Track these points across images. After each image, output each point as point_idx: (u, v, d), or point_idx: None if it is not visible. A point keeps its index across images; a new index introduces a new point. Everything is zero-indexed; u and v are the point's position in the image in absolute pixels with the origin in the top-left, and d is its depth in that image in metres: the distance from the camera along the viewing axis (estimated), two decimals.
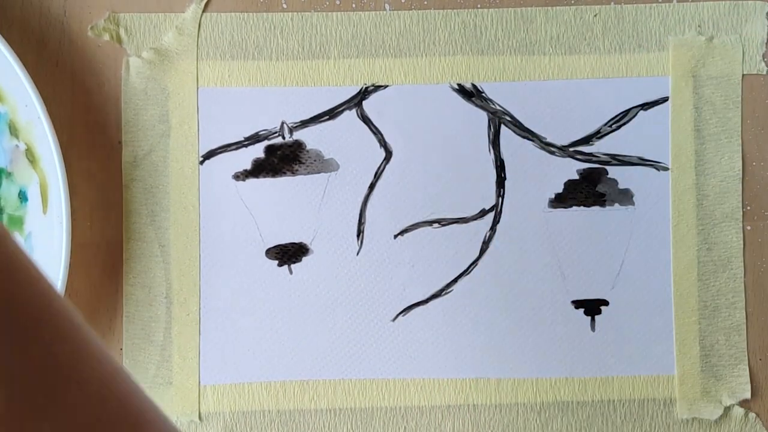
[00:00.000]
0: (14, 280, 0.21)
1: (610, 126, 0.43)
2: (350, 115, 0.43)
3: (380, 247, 0.43)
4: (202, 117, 0.42)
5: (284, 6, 0.43)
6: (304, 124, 0.42)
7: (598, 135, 0.43)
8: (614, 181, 0.43)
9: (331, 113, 0.43)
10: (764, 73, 0.43)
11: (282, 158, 0.42)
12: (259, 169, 0.42)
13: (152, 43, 0.42)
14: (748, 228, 0.43)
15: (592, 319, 0.43)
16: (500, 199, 0.43)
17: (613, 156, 0.43)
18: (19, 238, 0.41)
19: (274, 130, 0.42)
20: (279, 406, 0.42)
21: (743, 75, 0.43)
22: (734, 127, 0.43)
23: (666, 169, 0.43)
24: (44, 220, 0.40)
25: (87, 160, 0.42)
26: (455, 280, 0.43)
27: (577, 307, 0.43)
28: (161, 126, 0.42)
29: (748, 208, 0.43)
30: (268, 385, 0.42)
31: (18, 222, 0.41)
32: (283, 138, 0.42)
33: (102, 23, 0.42)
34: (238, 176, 0.42)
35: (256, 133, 0.42)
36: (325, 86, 0.42)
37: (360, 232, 0.43)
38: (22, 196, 0.41)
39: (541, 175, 0.43)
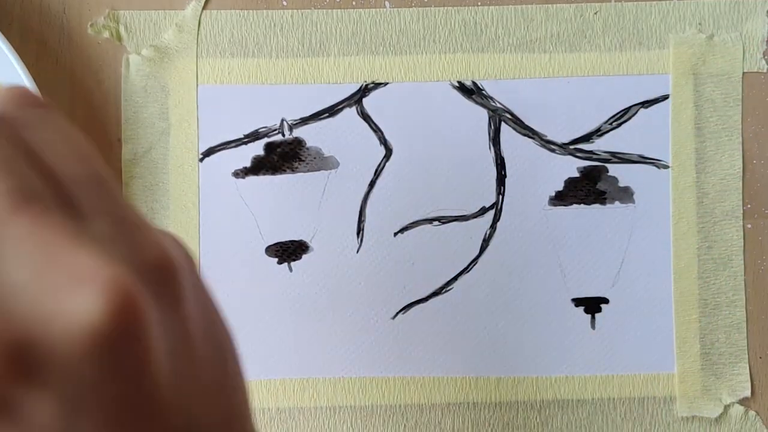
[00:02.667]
0: None
1: (611, 124, 0.43)
2: (350, 113, 0.43)
3: (380, 245, 0.43)
4: (202, 114, 0.42)
5: (284, 3, 0.43)
6: (304, 121, 0.42)
7: (598, 133, 0.43)
8: (614, 179, 0.43)
9: (331, 111, 0.43)
10: (765, 70, 0.43)
11: (282, 156, 0.42)
12: (258, 167, 0.42)
13: (152, 40, 0.42)
14: (749, 226, 0.43)
15: (592, 318, 0.43)
16: (500, 196, 0.43)
17: (613, 154, 0.43)
18: None
19: (273, 128, 0.42)
20: (278, 404, 0.42)
21: (744, 73, 0.43)
22: (735, 125, 0.43)
23: (666, 167, 0.43)
24: None
25: None
26: (455, 278, 0.43)
27: (577, 305, 0.43)
28: (161, 123, 0.42)
29: (749, 206, 0.43)
30: (268, 383, 0.42)
31: None
32: (283, 135, 0.42)
33: (101, 21, 0.42)
34: (237, 174, 0.42)
35: (256, 131, 0.42)
36: (325, 83, 0.42)
37: (360, 230, 0.42)
38: None
39: (542, 172, 0.43)
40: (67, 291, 0.18)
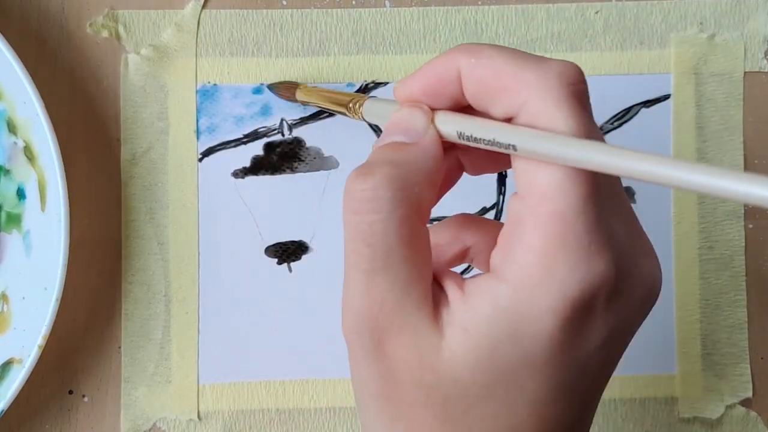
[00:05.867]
0: None
1: (612, 123, 0.43)
2: None
3: None
4: (201, 114, 0.42)
5: (284, 3, 0.43)
6: (304, 121, 0.42)
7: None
8: None
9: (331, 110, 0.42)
10: (766, 70, 0.43)
11: (281, 156, 0.42)
12: (258, 167, 0.42)
13: (151, 40, 0.42)
14: (750, 226, 0.43)
15: None
16: (501, 196, 0.42)
17: None
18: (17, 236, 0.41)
19: (273, 128, 0.42)
20: (278, 405, 0.42)
21: (745, 72, 0.43)
22: (736, 124, 0.43)
23: None
24: (43, 217, 0.40)
25: (85, 158, 0.42)
26: None
27: None
28: (160, 123, 0.42)
29: (750, 206, 0.43)
30: (268, 384, 0.42)
31: (16, 219, 0.41)
32: (283, 135, 0.42)
33: (100, 20, 0.42)
34: (237, 174, 0.42)
35: (255, 131, 0.42)
36: (325, 83, 0.42)
37: None
38: (21, 194, 0.41)
39: None
40: (643, 254, 0.27)
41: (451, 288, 0.27)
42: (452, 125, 0.27)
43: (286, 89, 0.41)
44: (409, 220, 0.26)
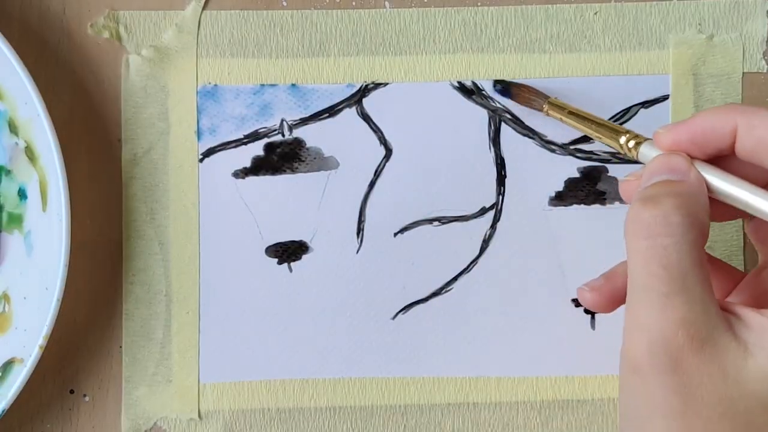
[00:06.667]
0: None
1: None
2: (350, 113, 0.43)
3: (380, 245, 0.42)
4: (202, 115, 0.42)
5: (284, 4, 0.43)
6: (304, 121, 0.42)
7: None
8: (615, 180, 0.43)
9: (331, 111, 0.42)
10: (764, 71, 0.43)
11: (282, 156, 0.42)
12: (258, 167, 0.42)
13: (152, 40, 0.42)
14: None
15: (592, 318, 0.43)
16: (500, 197, 0.43)
17: (613, 154, 0.43)
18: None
19: (273, 128, 0.42)
20: (279, 404, 0.42)
21: (743, 73, 0.43)
22: None
23: None
24: (44, 217, 0.40)
25: (86, 158, 0.42)
26: (455, 278, 0.43)
27: (577, 306, 0.43)
28: (161, 124, 0.42)
29: None
30: (268, 383, 0.42)
31: (17, 220, 0.41)
32: (283, 136, 0.42)
33: (101, 21, 0.42)
34: (237, 174, 0.42)
35: (256, 131, 0.42)
36: (325, 84, 0.42)
37: (360, 230, 0.42)
38: (22, 194, 0.41)
39: (542, 173, 0.43)
40: None
41: (742, 309, 0.29)
42: (709, 177, 0.31)
43: (526, 94, 0.41)
44: (698, 243, 0.29)
